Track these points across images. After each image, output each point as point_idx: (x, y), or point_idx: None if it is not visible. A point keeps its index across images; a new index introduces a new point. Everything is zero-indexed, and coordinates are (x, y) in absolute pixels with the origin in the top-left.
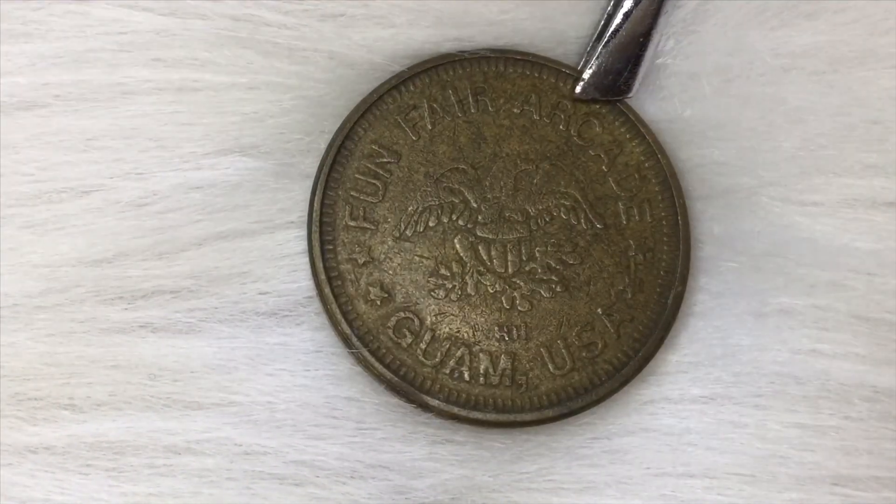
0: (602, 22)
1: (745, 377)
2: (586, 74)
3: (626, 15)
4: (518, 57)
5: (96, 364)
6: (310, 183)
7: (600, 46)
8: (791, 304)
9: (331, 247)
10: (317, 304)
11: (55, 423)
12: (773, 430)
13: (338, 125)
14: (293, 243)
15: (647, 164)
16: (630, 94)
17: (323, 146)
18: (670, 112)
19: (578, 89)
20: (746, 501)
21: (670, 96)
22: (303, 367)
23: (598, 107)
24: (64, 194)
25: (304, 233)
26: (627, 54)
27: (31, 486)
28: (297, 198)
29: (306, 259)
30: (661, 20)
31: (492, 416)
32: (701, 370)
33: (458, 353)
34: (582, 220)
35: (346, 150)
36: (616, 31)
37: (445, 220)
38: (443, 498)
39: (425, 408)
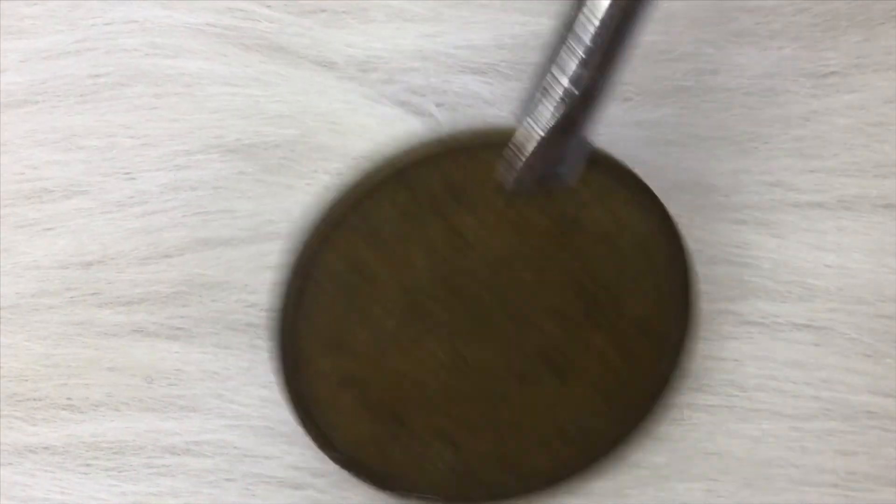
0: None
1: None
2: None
3: None
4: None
5: (93, 366)
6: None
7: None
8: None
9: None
10: None
11: (54, 424)
12: (771, 433)
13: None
14: (278, 255)
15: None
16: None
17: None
18: None
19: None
20: None
21: None
22: None
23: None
24: (53, 194)
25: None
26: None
27: (32, 485)
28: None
29: None
30: None
31: None
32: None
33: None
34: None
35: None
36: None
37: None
38: None
39: None
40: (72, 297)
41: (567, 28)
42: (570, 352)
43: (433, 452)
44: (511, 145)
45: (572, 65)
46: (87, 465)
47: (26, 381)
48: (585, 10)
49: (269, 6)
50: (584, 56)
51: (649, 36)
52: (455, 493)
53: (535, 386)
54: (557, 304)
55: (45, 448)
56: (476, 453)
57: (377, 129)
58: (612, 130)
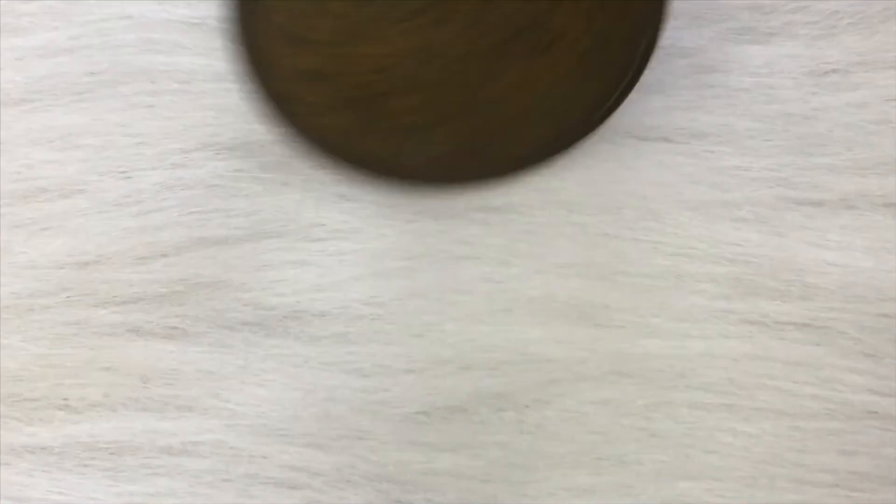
0: None
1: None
2: None
3: None
4: None
5: (89, 366)
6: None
7: None
8: None
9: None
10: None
11: (51, 424)
12: (771, 432)
13: None
14: (275, 253)
15: None
16: None
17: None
18: None
19: None
20: (746, 503)
21: None
22: (293, 379)
23: None
24: (50, 193)
25: (287, 244)
26: None
27: (29, 485)
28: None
29: (292, 271)
30: None
31: None
32: None
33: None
34: None
35: None
36: None
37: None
38: None
39: None
40: (68, 297)
41: None
42: (550, 22)
43: (408, 140)
44: None
45: None
46: (85, 465)
47: (23, 381)
48: None
49: None
50: None
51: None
52: (433, 177)
53: (508, 65)
54: None
55: (43, 448)
56: (451, 138)
57: None
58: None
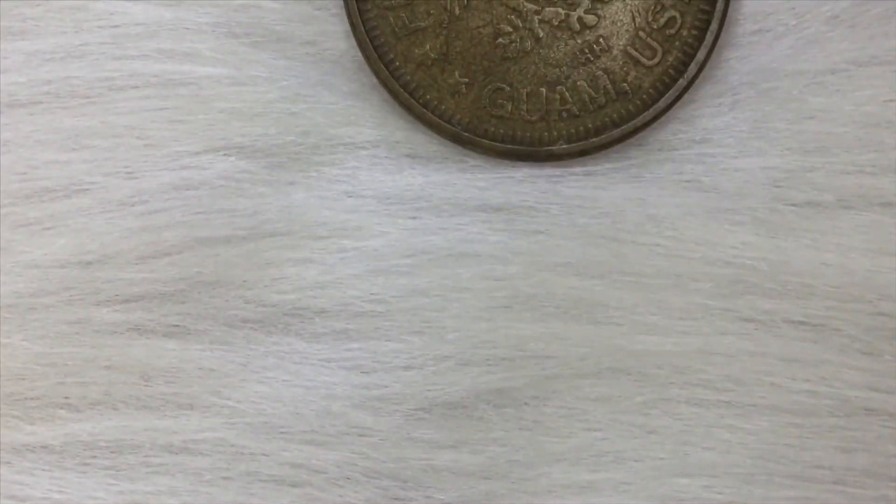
0: None
1: None
2: None
3: None
4: None
5: (90, 364)
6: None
7: None
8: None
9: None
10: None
11: (52, 422)
12: (769, 429)
13: None
14: (277, 252)
15: None
16: None
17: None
18: None
19: None
20: (745, 500)
21: None
22: (293, 376)
23: None
24: (54, 192)
25: (290, 242)
26: None
27: (30, 484)
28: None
29: (293, 269)
30: None
31: (617, 133)
32: None
33: (558, 96)
34: None
35: None
36: None
37: None
38: None
39: (553, 157)
40: (70, 296)
41: None
42: None
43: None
44: None
45: None
46: (86, 463)
47: (24, 379)
48: None
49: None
50: None
51: None
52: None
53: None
54: None
55: (43, 447)
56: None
57: None
58: None
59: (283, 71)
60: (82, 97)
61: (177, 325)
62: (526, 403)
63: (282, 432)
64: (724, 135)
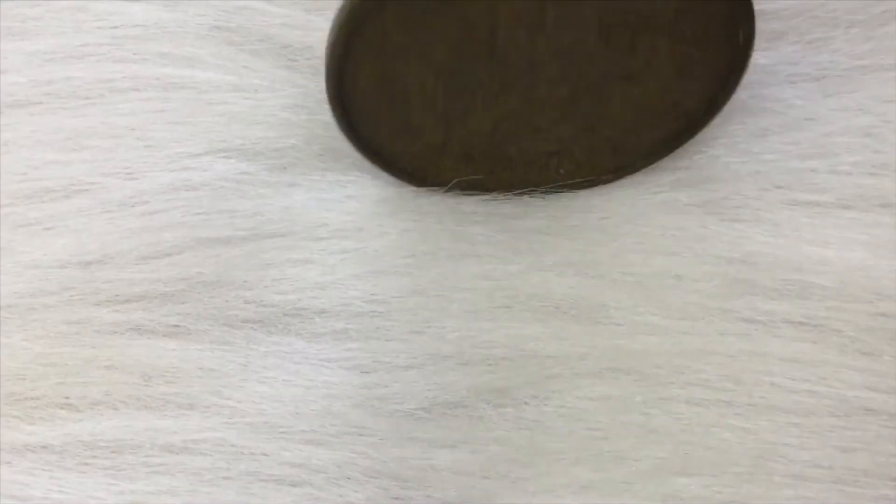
0: None
1: None
2: None
3: None
4: None
5: (90, 364)
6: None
7: None
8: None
9: None
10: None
11: (52, 422)
12: (769, 429)
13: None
14: (277, 252)
15: None
16: None
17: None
18: None
19: None
20: (744, 499)
21: None
22: (293, 376)
23: None
24: (54, 193)
25: (290, 243)
26: None
27: (30, 484)
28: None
29: (293, 270)
30: None
31: None
32: None
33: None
34: None
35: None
36: None
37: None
38: None
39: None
40: (70, 297)
41: None
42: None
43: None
44: None
45: None
46: (86, 463)
47: (24, 380)
48: None
49: (280, 6)
50: None
51: None
52: None
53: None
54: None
55: (44, 447)
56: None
57: None
58: None
59: (283, 82)
60: (83, 98)
61: (177, 326)
62: (526, 403)
63: (282, 432)
64: (724, 135)
